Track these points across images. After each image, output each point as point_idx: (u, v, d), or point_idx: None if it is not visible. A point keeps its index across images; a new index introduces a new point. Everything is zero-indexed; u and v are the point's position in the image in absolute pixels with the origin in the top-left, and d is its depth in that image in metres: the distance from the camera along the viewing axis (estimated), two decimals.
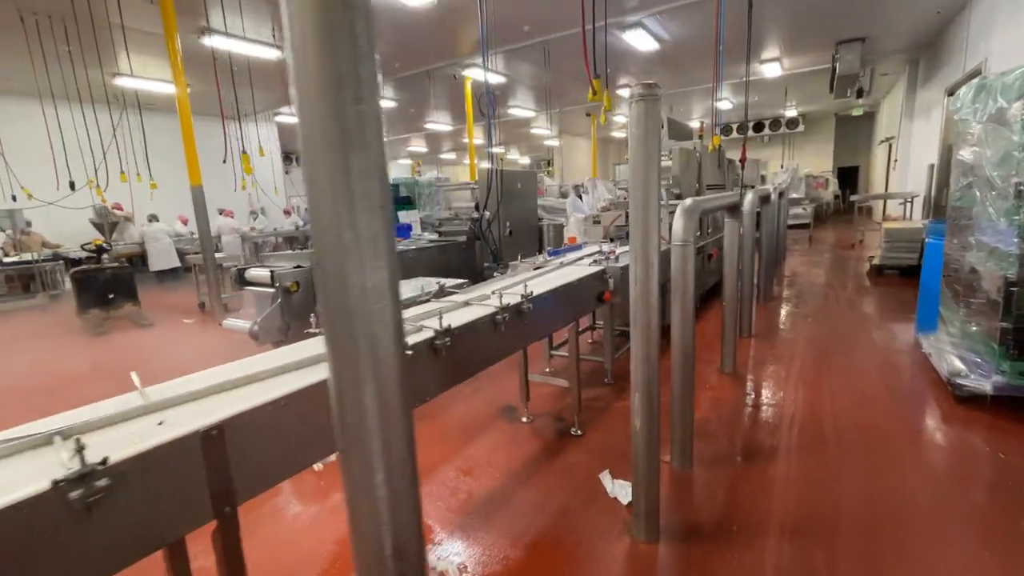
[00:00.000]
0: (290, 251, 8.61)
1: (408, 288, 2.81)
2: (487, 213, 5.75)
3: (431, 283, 2.82)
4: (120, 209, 10.79)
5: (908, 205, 9.46)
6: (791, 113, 18.15)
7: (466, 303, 2.20)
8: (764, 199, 5.20)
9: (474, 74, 9.99)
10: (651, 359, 1.99)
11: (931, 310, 3.94)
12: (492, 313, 2.02)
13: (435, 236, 6.24)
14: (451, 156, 26.85)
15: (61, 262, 9.37)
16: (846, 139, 20.67)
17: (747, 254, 4.47)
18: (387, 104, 12.65)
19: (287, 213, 13.29)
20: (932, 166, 9.09)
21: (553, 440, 3.01)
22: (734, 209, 3.44)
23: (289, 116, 13.80)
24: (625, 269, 3.08)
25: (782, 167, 15.65)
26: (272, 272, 3.47)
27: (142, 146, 11.13)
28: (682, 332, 2.53)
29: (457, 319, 1.90)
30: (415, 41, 8.62)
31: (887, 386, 3.55)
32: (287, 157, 18.72)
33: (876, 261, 7.12)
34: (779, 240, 7.60)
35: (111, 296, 6.51)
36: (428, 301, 2.39)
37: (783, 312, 5.64)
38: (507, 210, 6.01)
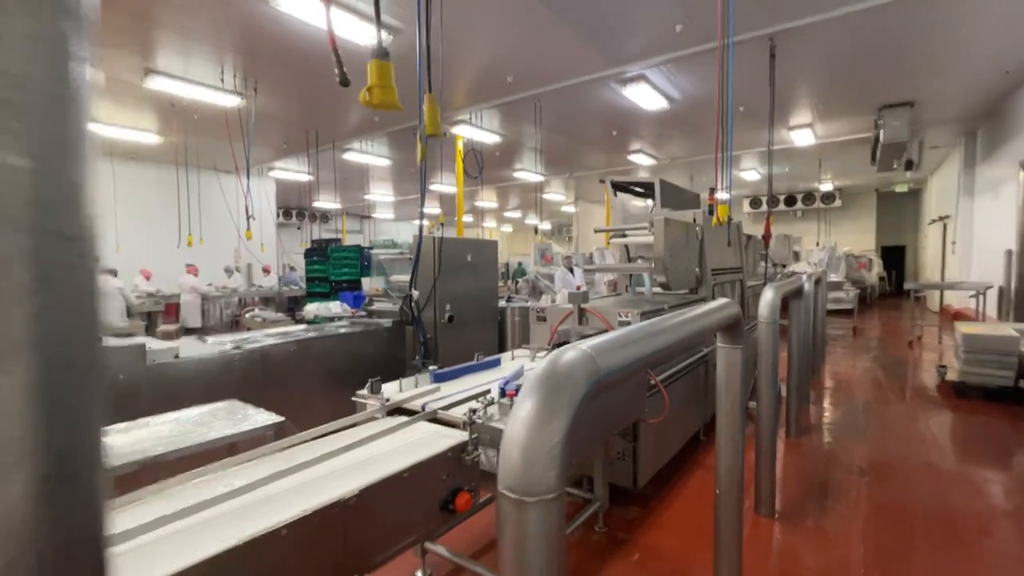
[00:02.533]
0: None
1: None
2: (415, 293, 4.39)
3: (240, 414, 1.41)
4: None
5: (980, 298, 7.66)
6: (826, 187, 16.70)
7: None
8: (795, 293, 3.65)
9: (464, 131, 9.06)
10: None
11: None
12: None
13: (362, 317, 4.89)
14: (467, 219, 26.29)
15: None
16: (890, 216, 18.93)
17: (766, 381, 2.89)
18: (381, 162, 11.89)
19: (266, 271, 12.36)
20: (1010, 252, 7.36)
21: None
22: (733, 329, 1.93)
23: (285, 171, 13.24)
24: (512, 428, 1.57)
25: (818, 244, 14.00)
26: None
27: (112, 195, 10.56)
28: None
29: None
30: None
31: None
32: (287, 213, 18.27)
33: (953, 376, 5.32)
34: (816, 343, 5.92)
35: None
36: None
37: (822, 460, 3.90)
38: (451, 288, 4.64)
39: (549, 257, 15.43)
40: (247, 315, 6.75)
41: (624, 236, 3.92)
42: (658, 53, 6.20)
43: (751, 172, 14.19)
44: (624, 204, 4.87)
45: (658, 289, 3.73)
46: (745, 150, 11.70)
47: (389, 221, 26.31)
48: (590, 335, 3.30)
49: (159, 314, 9.62)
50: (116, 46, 6.14)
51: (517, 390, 2.02)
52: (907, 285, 9.37)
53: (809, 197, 18.21)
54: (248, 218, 6.91)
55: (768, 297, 2.79)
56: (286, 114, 8.67)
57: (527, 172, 13.52)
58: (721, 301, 1.96)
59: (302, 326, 4.62)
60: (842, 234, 17.93)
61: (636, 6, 5.16)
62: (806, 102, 8.51)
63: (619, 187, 4.67)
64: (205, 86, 6.78)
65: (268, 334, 4.05)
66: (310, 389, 3.84)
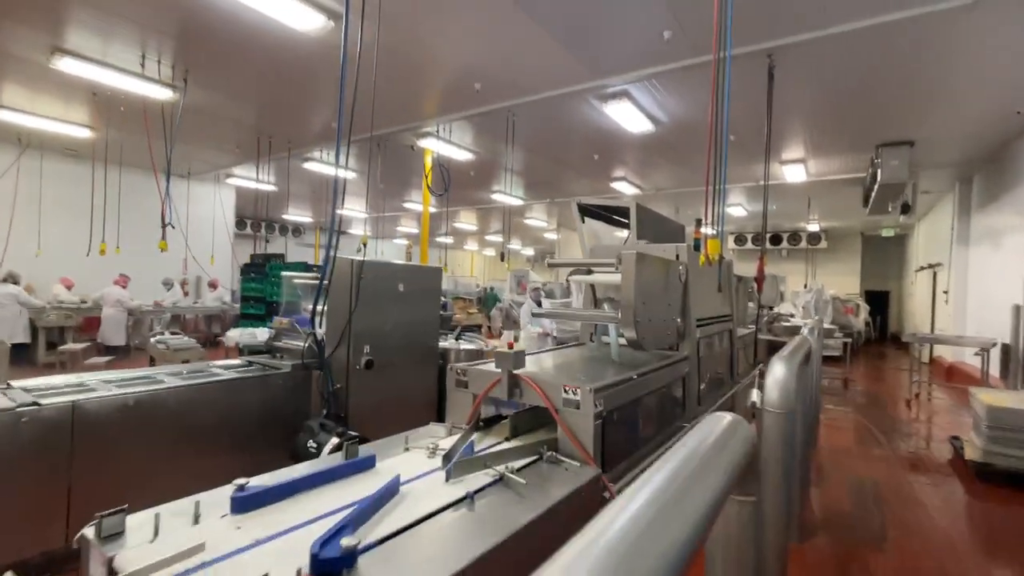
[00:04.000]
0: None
1: None
2: (319, 331, 3.45)
3: None
4: None
5: (984, 356, 6.97)
6: (813, 227, 16.28)
7: None
8: (805, 360, 2.79)
9: (431, 145, 8.26)
10: None
11: None
12: None
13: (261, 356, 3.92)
14: (448, 240, 25.45)
15: None
16: (874, 261, 18.61)
17: (775, 504, 2.00)
18: (345, 174, 10.97)
19: (212, 286, 11.26)
20: (1019, 308, 6.71)
21: None
22: (747, 473, 1.03)
23: (245, 179, 12.24)
24: None
25: (805, 287, 13.42)
26: None
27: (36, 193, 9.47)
28: None
29: None
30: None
31: None
32: (255, 224, 17.22)
33: (974, 454, 4.51)
34: (813, 405, 5.10)
35: None
36: None
37: None
38: (374, 324, 3.71)
39: (526, 284, 14.61)
40: (152, 340, 5.68)
41: (589, 272, 3.06)
42: (643, 65, 5.49)
43: (737, 208, 13.65)
44: (596, 232, 4.04)
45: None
46: (733, 184, 11.12)
47: (368, 239, 25.34)
48: (525, 411, 2.36)
49: (71, 329, 8.44)
50: (16, 20, 5.24)
51: (341, 559, 1.09)
52: (906, 337, 8.70)
53: (795, 237, 17.80)
54: (164, 226, 5.92)
55: (779, 375, 1.93)
56: (231, 114, 7.77)
57: (505, 195, 12.76)
58: (724, 421, 1.07)
59: (185, 366, 3.62)
60: (827, 276, 17.47)
61: (620, 5, 4.43)
62: (801, 135, 7.92)
63: (588, 211, 3.84)
64: (125, 72, 5.87)
65: (113, 379, 3.05)
66: (145, 469, 2.80)
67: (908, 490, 4.30)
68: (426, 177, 7.49)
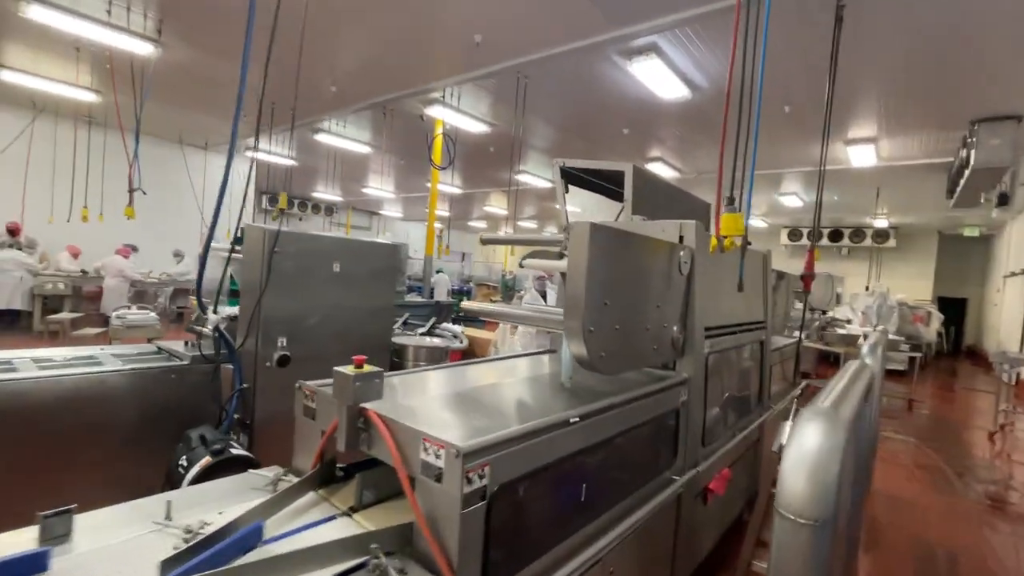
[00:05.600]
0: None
1: None
2: (219, 315, 2.73)
3: None
4: (16, 232, 8.73)
5: None
6: (881, 223, 14.43)
7: None
8: (861, 403, 1.82)
9: (440, 114, 7.45)
10: None
11: None
12: None
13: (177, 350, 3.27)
14: (481, 224, 24.74)
15: None
16: (951, 264, 16.42)
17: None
18: (358, 147, 10.36)
19: (177, 256, 10.94)
20: None
21: None
22: None
23: (266, 153, 11.87)
24: None
25: (867, 289, 11.83)
26: None
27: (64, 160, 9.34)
28: None
29: None
30: (344, 54, 6.22)
31: None
32: (273, 199, 17.05)
33: None
34: (869, 437, 4.00)
35: None
36: None
37: None
38: (294, 311, 2.98)
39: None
40: (113, 315, 5.23)
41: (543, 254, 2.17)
42: (671, 8, 4.44)
43: (792, 197, 12.15)
44: (586, 205, 3.13)
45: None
46: (788, 168, 9.74)
47: (398, 220, 24.92)
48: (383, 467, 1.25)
49: (69, 298, 8.27)
50: None
51: None
52: (993, 357, 7.24)
53: (858, 233, 15.95)
54: (132, 191, 5.42)
55: (810, 447, 1.02)
56: (215, 74, 7.21)
57: (532, 176, 11.84)
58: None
59: (66, 350, 3.01)
60: (894, 279, 15.54)
61: None
62: (874, 106, 6.57)
63: (574, 178, 2.94)
64: (93, 20, 5.36)
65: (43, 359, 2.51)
66: None
67: (999, 567, 3.20)
68: (429, 149, 6.70)
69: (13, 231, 8.55)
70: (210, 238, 2.65)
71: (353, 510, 1.39)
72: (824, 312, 9.90)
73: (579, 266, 1.55)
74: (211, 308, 2.73)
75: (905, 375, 8.99)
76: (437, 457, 1.16)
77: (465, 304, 2.11)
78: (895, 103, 6.39)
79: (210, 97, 8.31)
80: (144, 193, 5.57)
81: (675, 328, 2.18)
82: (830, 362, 10.38)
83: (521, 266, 2.19)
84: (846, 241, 16.06)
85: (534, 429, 1.35)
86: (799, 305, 4.68)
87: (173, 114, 9.50)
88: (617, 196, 2.89)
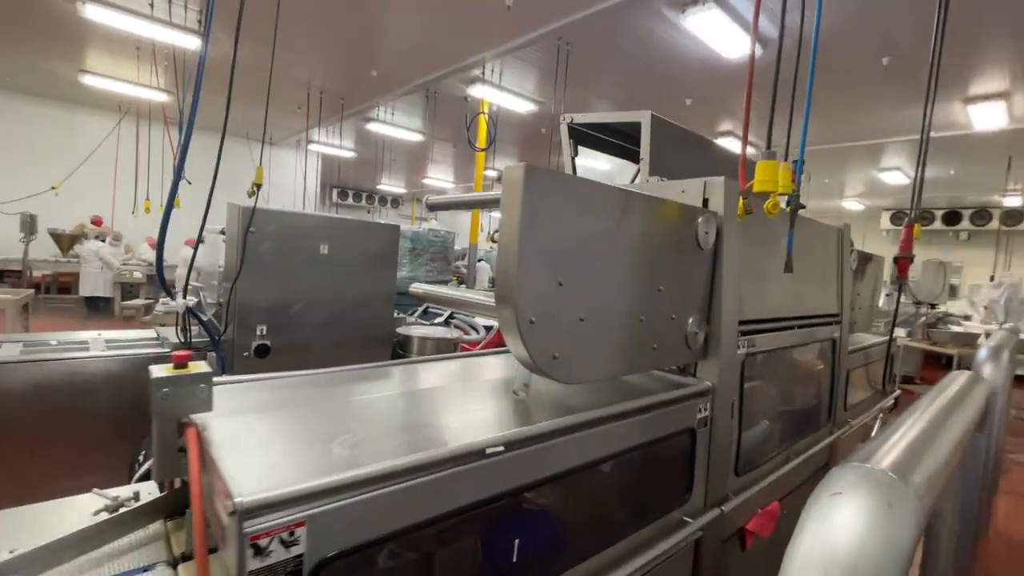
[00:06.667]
0: None
1: None
2: (192, 299, 2.53)
3: None
4: (98, 224, 9.65)
5: None
6: (1013, 200, 12.15)
7: None
8: (970, 434, 1.20)
9: (482, 93, 7.06)
10: None
11: None
12: None
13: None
14: None
15: None
16: None
17: None
18: (410, 136, 10.27)
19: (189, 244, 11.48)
20: None
21: None
22: None
23: (326, 147, 12.19)
24: None
25: (992, 279, 9.98)
26: None
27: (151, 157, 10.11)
28: None
29: None
30: (387, 33, 6.00)
31: None
32: (343, 192, 17.62)
33: None
34: (989, 465, 3.11)
35: None
36: None
37: None
38: (275, 296, 2.73)
39: None
40: (159, 302, 5.41)
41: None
42: None
43: (895, 173, 10.48)
44: (601, 170, 2.60)
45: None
46: (891, 138, 8.34)
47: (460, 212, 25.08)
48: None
49: (142, 286, 8.90)
50: None
51: None
52: None
53: (982, 214, 13.58)
54: (177, 181, 5.54)
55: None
56: (261, 64, 7.28)
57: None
58: None
59: (63, 334, 2.98)
60: None
61: None
62: (1004, 52, 5.29)
63: (583, 136, 2.41)
64: (142, 16, 5.53)
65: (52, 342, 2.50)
66: None
67: None
68: (468, 129, 6.33)
69: (96, 224, 9.42)
70: (203, 227, 2.54)
71: (184, 558, 1.03)
72: (933, 306, 8.43)
73: (511, 231, 1.07)
74: (179, 293, 2.54)
75: None
76: (225, 512, 0.76)
77: (412, 288, 1.69)
78: None
79: (263, 90, 8.47)
80: (189, 183, 5.69)
81: (691, 320, 1.62)
82: (941, 364, 8.85)
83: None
84: (966, 223, 13.75)
85: (409, 467, 0.90)
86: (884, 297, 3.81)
87: (236, 111, 9.91)
88: (636, 157, 2.33)
